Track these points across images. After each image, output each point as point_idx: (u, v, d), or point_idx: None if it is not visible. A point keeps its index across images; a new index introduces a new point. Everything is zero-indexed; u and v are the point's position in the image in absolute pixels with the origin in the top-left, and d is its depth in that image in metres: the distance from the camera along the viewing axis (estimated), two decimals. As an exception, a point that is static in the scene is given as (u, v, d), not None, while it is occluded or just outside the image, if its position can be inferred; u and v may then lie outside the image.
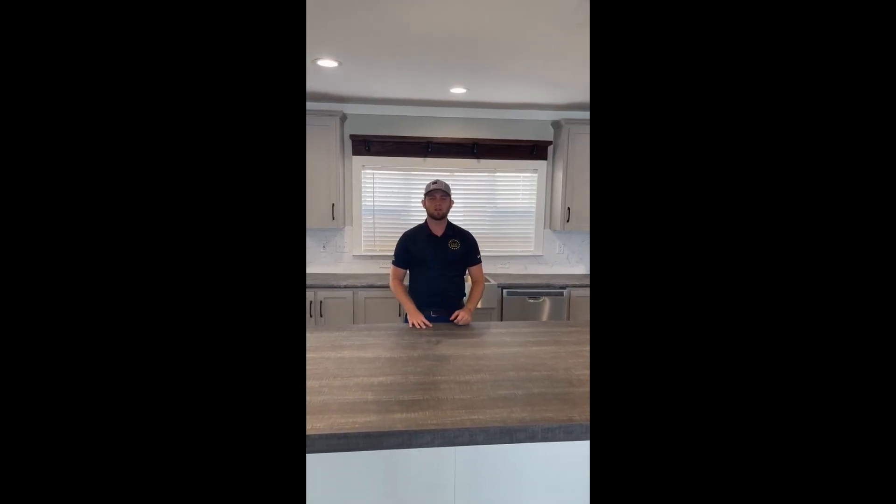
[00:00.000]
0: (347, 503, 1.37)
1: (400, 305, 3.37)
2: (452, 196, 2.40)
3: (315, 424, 1.15)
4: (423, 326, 2.15)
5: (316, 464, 1.34)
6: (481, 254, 2.45)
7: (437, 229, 2.35)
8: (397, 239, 2.41)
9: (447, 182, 2.36)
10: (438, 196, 2.29)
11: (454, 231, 2.40)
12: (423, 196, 2.35)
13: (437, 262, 2.31)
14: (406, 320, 2.40)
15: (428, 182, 2.36)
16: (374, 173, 3.80)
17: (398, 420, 1.19)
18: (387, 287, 3.36)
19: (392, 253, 2.42)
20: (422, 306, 2.32)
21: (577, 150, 3.64)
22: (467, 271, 2.43)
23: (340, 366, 1.60)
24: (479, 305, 2.40)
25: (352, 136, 3.66)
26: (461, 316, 2.22)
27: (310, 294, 3.35)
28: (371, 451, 1.35)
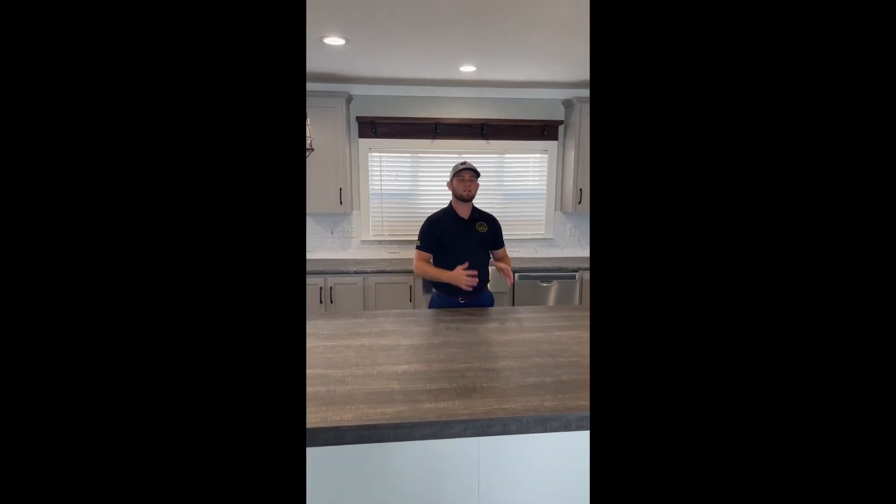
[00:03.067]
0: (363, 492, 1.35)
1: (411, 289, 3.34)
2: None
3: (343, 416, 1.12)
4: (470, 286, 2.08)
5: (334, 457, 1.31)
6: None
7: (464, 212, 2.26)
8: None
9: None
10: (468, 176, 2.19)
11: (480, 214, 2.32)
12: (449, 177, 2.24)
13: (465, 246, 2.21)
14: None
15: (456, 163, 2.26)
16: (381, 156, 3.72)
17: (428, 410, 1.16)
18: (396, 272, 3.33)
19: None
20: (449, 292, 2.24)
21: (589, 130, 3.56)
22: (491, 255, 2.36)
23: (361, 354, 1.56)
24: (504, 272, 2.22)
25: (358, 118, 3.57)
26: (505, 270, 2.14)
27: (319, 280, 3.31)
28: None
